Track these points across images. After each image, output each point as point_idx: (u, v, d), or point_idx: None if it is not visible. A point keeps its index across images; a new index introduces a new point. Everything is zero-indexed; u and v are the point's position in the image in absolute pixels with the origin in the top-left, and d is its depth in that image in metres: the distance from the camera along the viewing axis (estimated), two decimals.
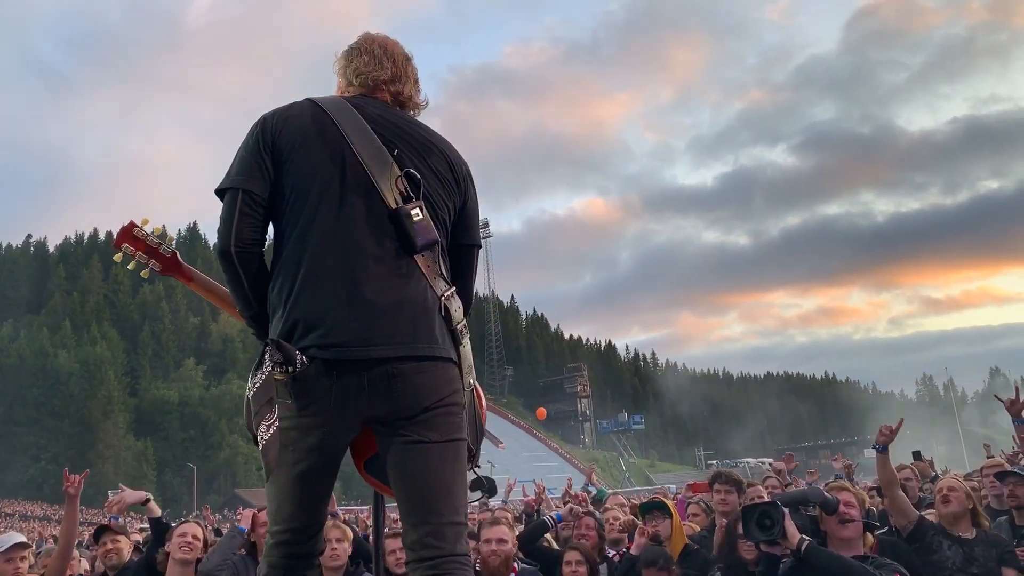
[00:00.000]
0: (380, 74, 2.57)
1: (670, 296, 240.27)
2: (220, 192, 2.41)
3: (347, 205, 2.31)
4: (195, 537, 4.87)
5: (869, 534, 4.09)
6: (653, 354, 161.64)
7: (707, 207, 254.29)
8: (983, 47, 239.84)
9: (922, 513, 4.99)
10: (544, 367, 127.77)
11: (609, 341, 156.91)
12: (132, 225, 2.98)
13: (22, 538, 4.98)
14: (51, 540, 17.13)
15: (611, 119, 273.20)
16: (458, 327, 2.43)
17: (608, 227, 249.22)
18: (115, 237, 2.98)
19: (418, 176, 2.38)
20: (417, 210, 2.33)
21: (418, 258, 2.35)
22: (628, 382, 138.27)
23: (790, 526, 3.72)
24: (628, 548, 5.23)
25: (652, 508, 5.45)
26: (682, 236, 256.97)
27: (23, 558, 4.80)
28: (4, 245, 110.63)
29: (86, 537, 11.60)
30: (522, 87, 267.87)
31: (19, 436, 76.42)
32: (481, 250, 2.70)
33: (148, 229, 3.01)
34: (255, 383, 2.21)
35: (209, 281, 3.05)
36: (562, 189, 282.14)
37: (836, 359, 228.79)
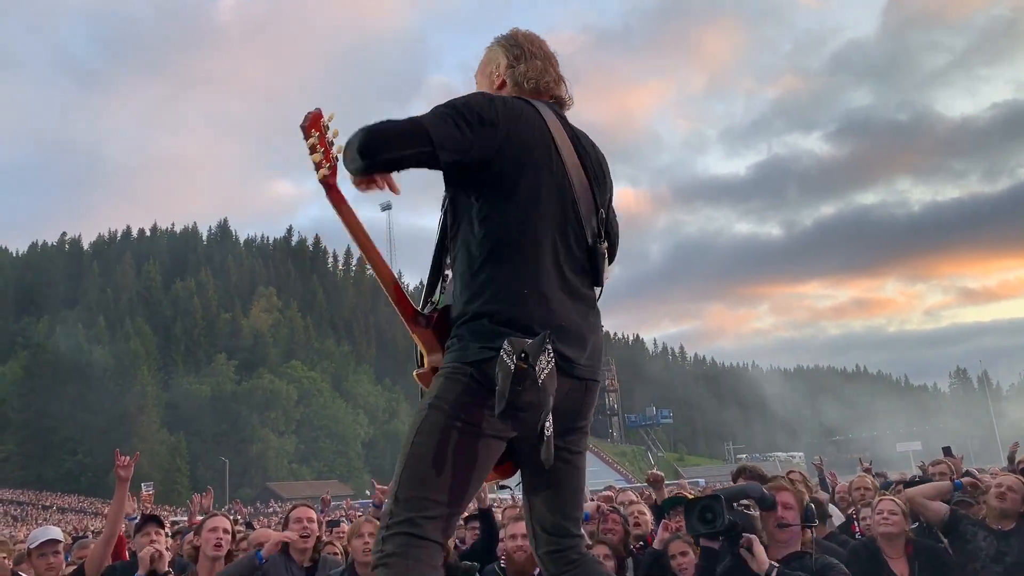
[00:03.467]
0: (548, 79, 2.62)
1: (700, 288, 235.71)
2: (415, 124, 2.24)
3: (564, 236, 2.44)
4: (225, 531, 4.94)
5: (808, 531, 4.05)
6: (682, 347, 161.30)
7: (740, 197, 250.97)
8: None
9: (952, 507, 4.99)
10: None
11: (637, 335, 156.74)
12: (320, 113, 2.49)
13: (56, 534, 5.10)
14: (91, 534, 17.43)
15: (641, 108, 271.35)
16: None
17: (638, 219, 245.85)
18: (305, 120, 2.47)
19: (606, 217, 2.57)
20: (604, 249, 2.54)
21: (596, 289, 2.58)
22: (656, 376, 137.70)
23: (760, 551, 3.59)
24: (649, 542, 5.22)
25: (675, 504, 5.44)
26: (714, 227, 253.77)
27: (56, 553, 4.92)
28: (40, 243, 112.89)
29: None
30: None
31: (55, 431, 78.01)
32: None
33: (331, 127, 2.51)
34: (543, 369, 2.18)
35: (356, 217, 2.53)
36: None
37: (869, 351, 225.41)
